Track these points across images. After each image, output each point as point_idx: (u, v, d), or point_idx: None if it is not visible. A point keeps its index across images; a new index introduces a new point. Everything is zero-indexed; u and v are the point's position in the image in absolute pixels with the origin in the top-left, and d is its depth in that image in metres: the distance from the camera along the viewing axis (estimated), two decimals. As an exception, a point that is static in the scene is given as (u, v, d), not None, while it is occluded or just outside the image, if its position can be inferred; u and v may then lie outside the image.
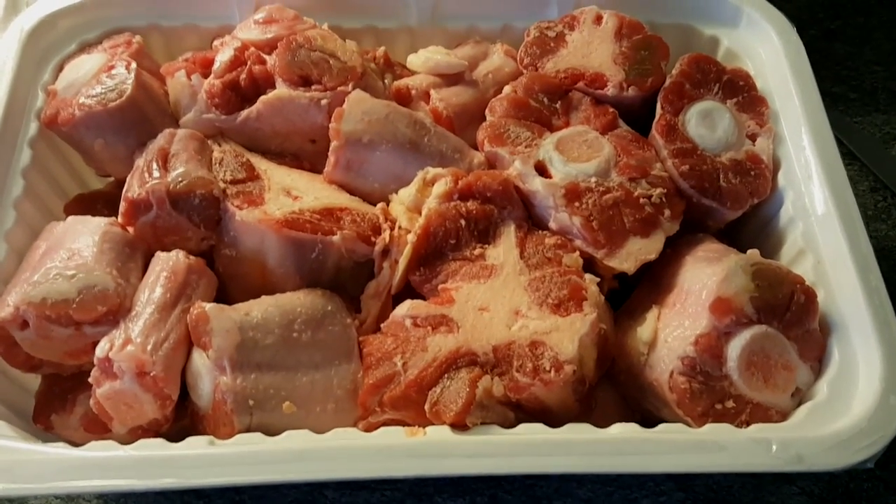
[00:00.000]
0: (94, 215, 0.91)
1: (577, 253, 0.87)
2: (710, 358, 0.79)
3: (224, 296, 0.90)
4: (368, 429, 0.79)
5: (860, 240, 0.86)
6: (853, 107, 1.34)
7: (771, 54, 1.05)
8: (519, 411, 0.80)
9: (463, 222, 0.88)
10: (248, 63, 0.98)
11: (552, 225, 0.90)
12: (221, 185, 0.90)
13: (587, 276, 0.86)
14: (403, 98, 1.03)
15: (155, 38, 1.11)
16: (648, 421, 0.79)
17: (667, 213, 0.91)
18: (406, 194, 0.92)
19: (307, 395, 0.80)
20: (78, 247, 0.85)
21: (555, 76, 1.02)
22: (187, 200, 0.87)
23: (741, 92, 1.02)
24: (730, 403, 0.78)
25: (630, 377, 0.86)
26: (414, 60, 1.07)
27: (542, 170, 0.92)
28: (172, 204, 0.86)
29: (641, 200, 0.90)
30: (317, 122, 0.97)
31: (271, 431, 0.76)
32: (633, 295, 0.93)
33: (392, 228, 0.90)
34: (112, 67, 0.98)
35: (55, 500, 0.95)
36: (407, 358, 0.80)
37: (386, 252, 0.89)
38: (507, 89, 1.01)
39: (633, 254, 0.88)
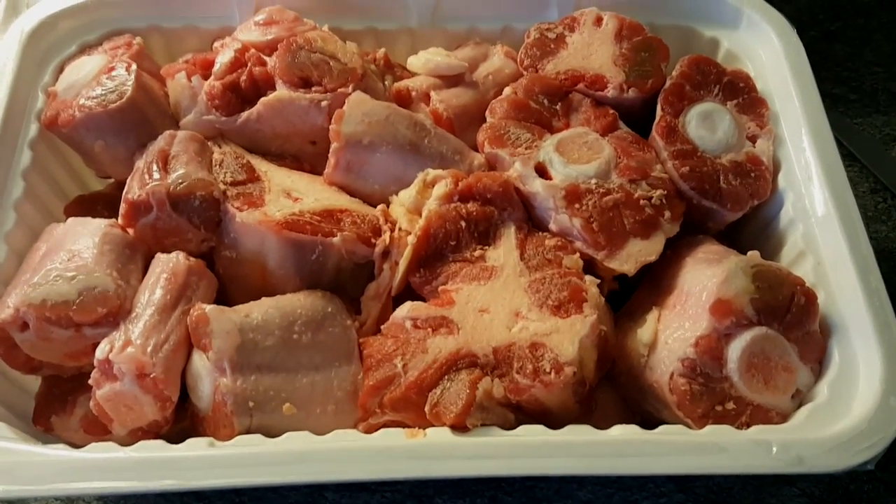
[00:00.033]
0: (94, 217, 0.91)
1: (578, 254, 0.87)
2: (711, 359, 0.79)
3: (224, 297, 0.90)
4: (368, 430, 0.79)
5: (860, 241, 0.86)
6: (853, 108, 1.34)
7: (771, 56, 1.05)
8: (519, 413, 0.80)
9: (463, 224, 0.88)
10: (249, 65, 0.98)
11: (552, 226, 0.90)
12: (222, 186, 0.90)
13: (587, 277, 0.86)
14: (404, 100, 1.03)
15: (155, 39, 1.11)
16: (649, 422, 0.79)
17: (667, 214, 0.91)
18: (406, 196, 0.92)
19: (307, 396, 0.80)
20: (78, 248, 0.85)
21: (555, 78, 1.02)
22: (187, 202, 0.87)
23: (741, 93, 1.02)
24: (730, 405, 0.78)
25: (630, 379, 0.86)
26: (414, 62, 1.07)
27: (542, 171, 0.92)
28: (173, 205, 0.86)
29: (642, 202, 0.90)
30: (317, 123, 0.97)
31: (271, 433, 0.76)
32: (633, 296, 0.93)
33: (392, 230, 0.90)
34: (112, 69, 0.98)
35: (55, 502, 0.95)
36: (407, 359, 0.80)
37: (386, 254, 0.89)
38: (507, 91, 1.01)
39: (634, 255, 0.88)
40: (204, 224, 0.88)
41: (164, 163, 0.90)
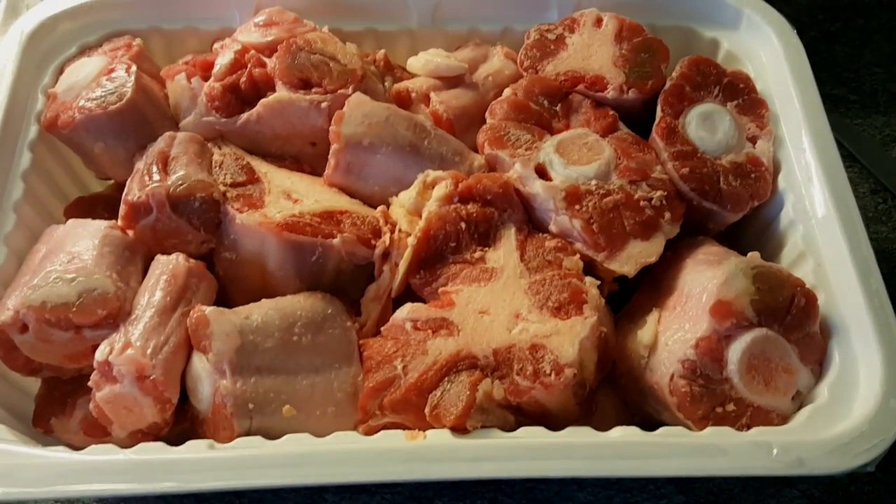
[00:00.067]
0: (94, 218, 0.91)
1: (578, 256, 0.87)
2: (711, 361, 0.79)
3: (224, 299, 0.90)
4: (368, 432, 0.79)
5: (861, 242, 0.86)
6: (853, 109, 1.34)
7: (771, 57, 1.05)
8: (519, 415, 0.80)
9: (463, 225, 0.88)
10: (249, 66, 0.98)
11: (552, 228, 0.90)
12: (221, 188, 0.90)
13: (587, 279, 0.86)
14: (403, 101, 1.03)
15: (155, 40, 1.11)
16: (649, 424, 0.79)
17: (667, 215, 0.91)
18: (406, 197, 0.92)
19: (307, 398, 0.80)
20: (78, 250, 0.85)
21: (555, 79, 1.02)
22: (187, 204, 0.87)
23: (741, 94, 1.02)
24: (730, 407, 0.78)
25: (630, 380, 0.86)
26: (414, 63, 1.07)
27: (542, 172, 0.92)
28: (172, 207, 0.86)
29: (642, 203, 0.90)
30: (317, 124, 0.97)
31: (271, 435, 0.76)
32: (633, 298, 0.93)
33: (392, 231, 0.90)
34: (112, 70, 0.98)
35: (55, 504, 0.95)
36: (407, 361, 0.80)
37: (386, 255, 0.89)
38: (507, 92, 1.01)
39: (634, 257, 0.88)
40: (204, 226, 0.88)
41: (164, 164, 0.90)
